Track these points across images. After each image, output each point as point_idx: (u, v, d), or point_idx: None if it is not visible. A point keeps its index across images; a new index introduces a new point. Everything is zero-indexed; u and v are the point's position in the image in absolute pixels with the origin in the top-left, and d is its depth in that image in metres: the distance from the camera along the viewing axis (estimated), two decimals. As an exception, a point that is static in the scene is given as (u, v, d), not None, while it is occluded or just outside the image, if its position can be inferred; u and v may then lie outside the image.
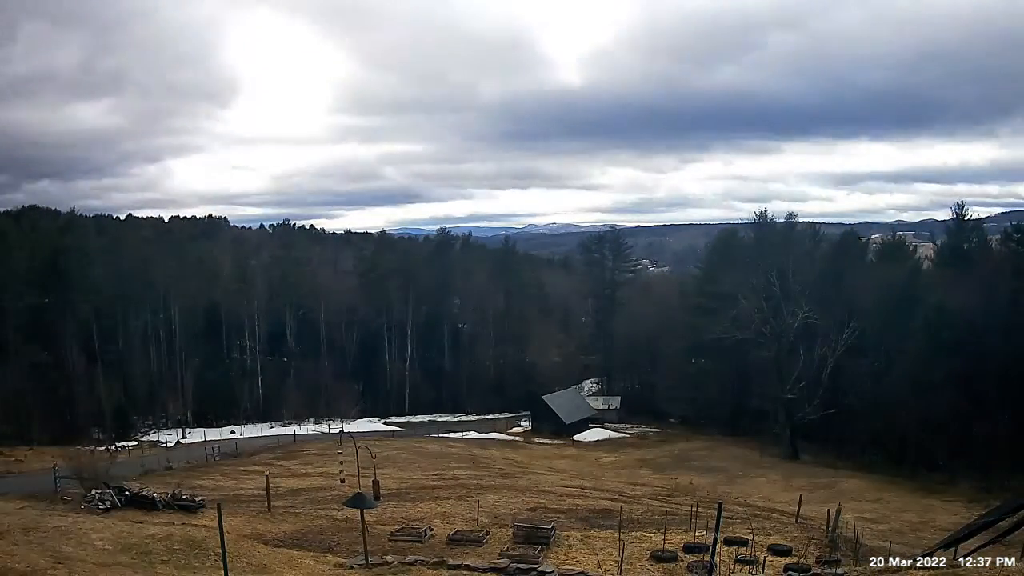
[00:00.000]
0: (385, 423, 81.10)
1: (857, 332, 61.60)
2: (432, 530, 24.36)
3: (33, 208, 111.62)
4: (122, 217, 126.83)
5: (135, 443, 63.12)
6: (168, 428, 72.29)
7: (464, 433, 73.51)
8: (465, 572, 17.55)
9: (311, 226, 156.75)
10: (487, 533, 23.84)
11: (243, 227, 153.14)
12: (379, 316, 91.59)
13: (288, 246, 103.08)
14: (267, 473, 35.55)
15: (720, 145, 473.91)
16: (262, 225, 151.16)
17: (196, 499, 27.06)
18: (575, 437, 75.18)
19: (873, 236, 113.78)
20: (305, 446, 59.53)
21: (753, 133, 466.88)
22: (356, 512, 20.11)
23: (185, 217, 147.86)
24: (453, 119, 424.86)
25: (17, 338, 71.72)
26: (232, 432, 71.26)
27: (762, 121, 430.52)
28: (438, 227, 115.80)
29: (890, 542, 26.03)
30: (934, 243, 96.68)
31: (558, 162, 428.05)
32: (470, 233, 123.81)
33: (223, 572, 12.80)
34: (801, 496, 32.12)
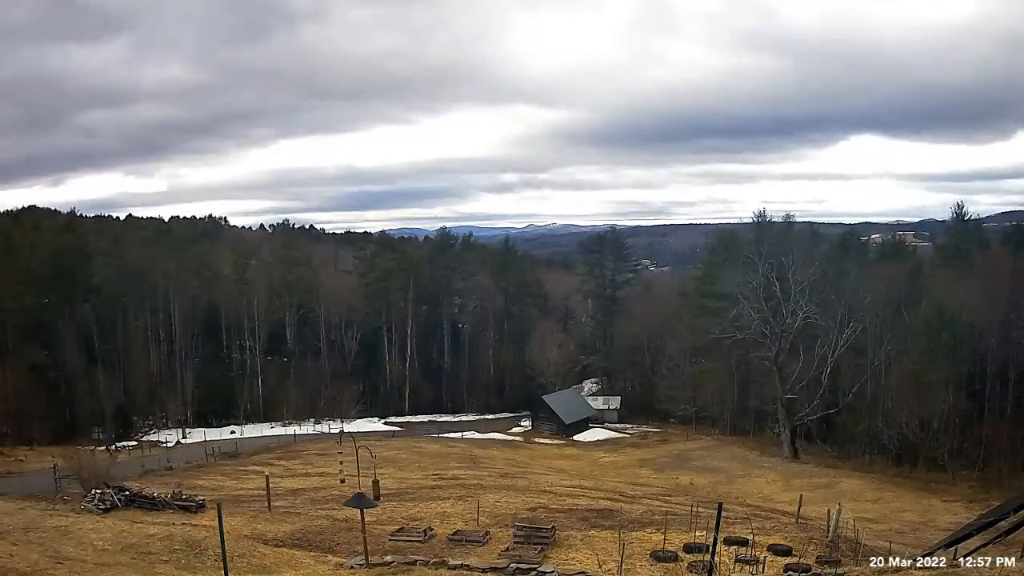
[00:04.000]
0: (385, 423, 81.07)
1: (857, 332, 61.57)
2: (432, 530, 24.35)
3: (33, 208, 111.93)
4: (122, 217, 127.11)
5: (135, 443, 63.13)
6: (168, 428, 72.27)
7: (464, 433, 73.48)
8: (465, 572, 17.57)
9: (311, 226, 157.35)
10: (487, 533, 23.84)
11: (243, 227, 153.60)
12: (379, 316, 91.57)
13: (288, 246, 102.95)
14: (267, 473, 35.57)
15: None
16: (262, 225, 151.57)
17: (196, 499, 27.07)
18: (575, 437, 75.17)
19: (873, 236, 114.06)
20: (305, 446, 59.50)
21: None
22: (356, 512, 20.12)
23: (185, 217, 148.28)
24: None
25: (17, 338, 71.73)
26: (232, 432, 71.24)
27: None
28: (438, 227, 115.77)
29: (890, 542, 26.01)
30: (934, 243, 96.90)
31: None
32: (471, 233, 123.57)
33: (223, 572, 12.80)
34: (801, 496, 32.09)
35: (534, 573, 17.58)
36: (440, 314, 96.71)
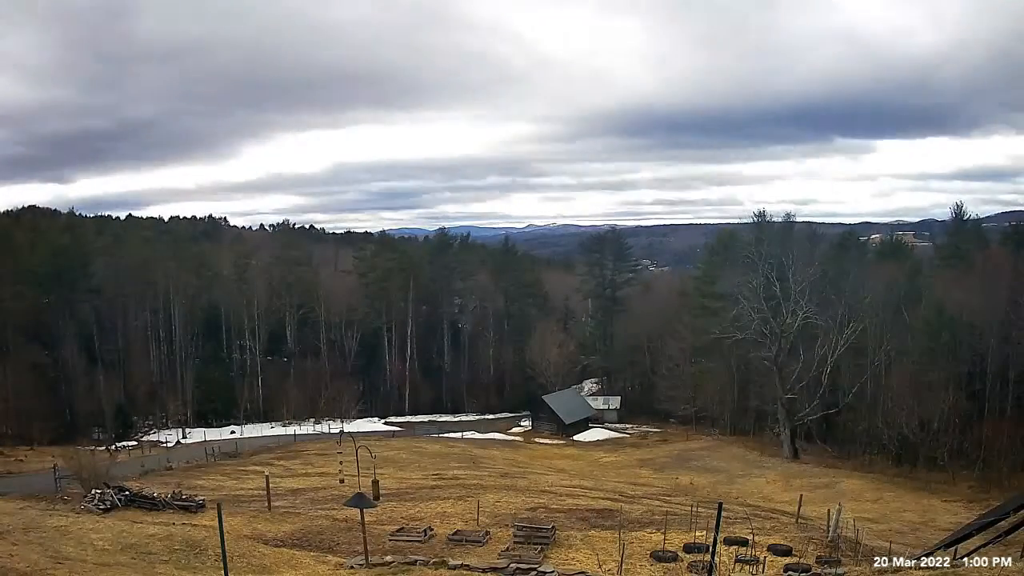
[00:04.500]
0: (385, 423, 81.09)
1: (857, 332, 61.58)
2: (432, 530, 24.35)
3: (33, 208, 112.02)
4: (122, 217, 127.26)
5: (135, 443, 63.16)
6: (168, 428, 72.27)
7: (464, 433, 73.49)
8: (465, 572, 17.57)
9: (311, 226, 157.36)
10: (487, 533, 23.84)
11: (243, 227, 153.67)
12: (379, 316, 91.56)
13: (288, 246, 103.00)
14: (267, 473, 35.59)
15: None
16: (262, 225, 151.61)
17: (196, 499, 27.08)
18: (575, 437, 75.18)
19: (873, 236, 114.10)
20: (305, 446, 59.52)
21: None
22: (356, 512, 20.13)
23: (185, 217, 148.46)
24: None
25: (17, 338, 71.79)
26: (232, 432, 71.27)
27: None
28: (438, 227, 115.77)
29: (890, 542, 26.02)
30: (934, 243, 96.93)
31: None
32: (469, 233, 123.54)
33: (223, 572, 12.79)
34: (801, 496, 32.10)
35: (534, 573, 17.58)
36: (440, 314, 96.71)
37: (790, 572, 19.35)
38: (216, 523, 13.30)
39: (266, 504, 28.22)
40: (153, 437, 68.57)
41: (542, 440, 73.26)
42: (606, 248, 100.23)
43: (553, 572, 17.70)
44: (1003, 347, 59.11)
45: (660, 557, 21.07)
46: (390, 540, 22.94)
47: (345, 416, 74.72)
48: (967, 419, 57.44)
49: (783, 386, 63.44)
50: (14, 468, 48.28)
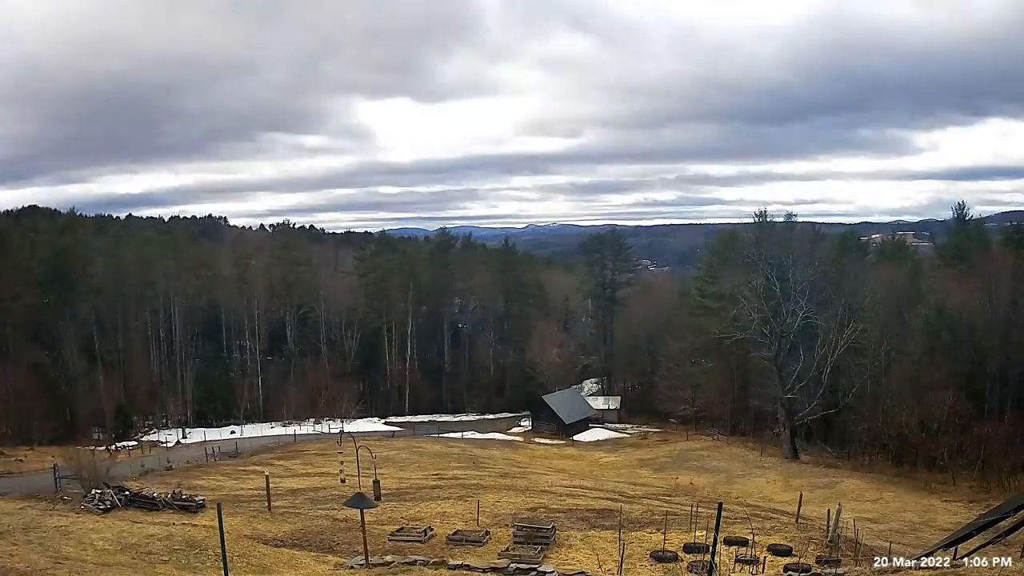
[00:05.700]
0: (385, 423, 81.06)
1: (857, 332, 61.56)
2: (432, 530, 24.37)
3: (33, 208, 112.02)
4: (122, 217, 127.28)
5: (135, 443, 63.15)
6: (168, 428, 72.26)
7: (464, 433, 73.48)
8: (465, 572, 17.56)
9: (311, 226, 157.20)
10: (487, 533, 23.86)
11: (243, 227, 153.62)
12: (379, 316, 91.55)
13: (288, 246, 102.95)
14: (267, 473, 35.57)
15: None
16: (262, 225, 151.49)
17: (196, 499, 27.09)
18: (575, 437, 75.15)
19: (873, 236, 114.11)
20: (305, 446, 59.53)
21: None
22: (356, 512, 20.14)
23: (185, 217, 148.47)
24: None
25: (17, 338, 71.78)
26: (232, 432, 71.22)
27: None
28: (438, 227, 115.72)
29: (890, 542, 26.02)
30: (934, 243, 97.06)
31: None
32: (471, 233, 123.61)
33: (223, 572, 12.79)
34: (801, 496, 32.12)
35: (534, 573, 17.57)
36: (440, 314, 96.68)
37: (790, 572, 19.37)
38: (216, 523, 13.31)
39: (266, 504, 28.23)
40: (153, 437, 68.55)
41: (542, 440, 73.23)
42: (606, 248, 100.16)
43: (553, 572, 17.69)
44: (1003, 347, 59.13)
45: (660, 557, 21.08)
46: (390, 540, 22.95)
47: (345, 416, 74.69)
48: (967, 419, 57.35)
49: (783, 386, 63.41)
50: (14, 468, 48.23)
